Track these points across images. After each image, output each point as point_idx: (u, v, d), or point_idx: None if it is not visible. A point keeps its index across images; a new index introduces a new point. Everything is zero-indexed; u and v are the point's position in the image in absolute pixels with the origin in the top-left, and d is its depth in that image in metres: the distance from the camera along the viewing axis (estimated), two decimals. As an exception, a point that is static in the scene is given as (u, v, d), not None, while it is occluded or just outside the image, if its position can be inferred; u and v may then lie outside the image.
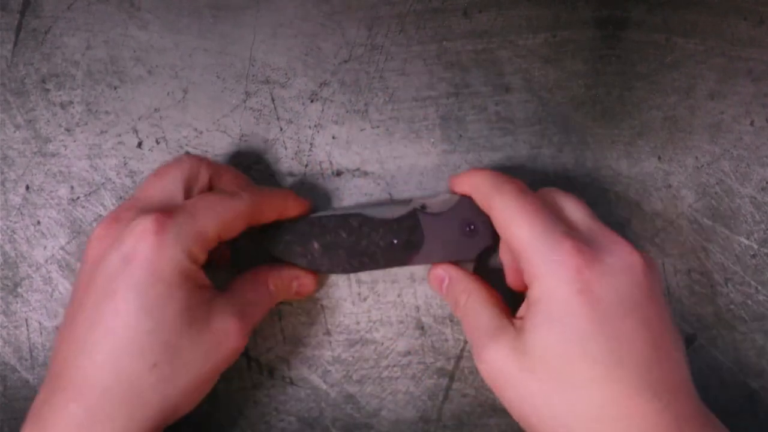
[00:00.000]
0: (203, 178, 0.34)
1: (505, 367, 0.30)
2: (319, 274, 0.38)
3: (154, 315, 0.29)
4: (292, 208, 0.36)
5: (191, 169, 0.34)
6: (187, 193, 0.33)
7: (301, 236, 0.36)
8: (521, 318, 0.32)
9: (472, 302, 0.34)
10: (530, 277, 0.30)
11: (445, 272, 0.36)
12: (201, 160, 0.34)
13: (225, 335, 0.32)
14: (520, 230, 0.31)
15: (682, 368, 0.30)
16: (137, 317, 0.29)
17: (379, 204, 0.38)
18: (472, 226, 0.36)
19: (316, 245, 0.36)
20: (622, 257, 0.30)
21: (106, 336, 0.29)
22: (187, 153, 0.35)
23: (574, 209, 0.32)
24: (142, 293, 0.29)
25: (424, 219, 0.36)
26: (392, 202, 0.38)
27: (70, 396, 0.29)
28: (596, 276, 0.29)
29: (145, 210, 0.31)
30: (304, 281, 0.37)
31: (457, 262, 0.37)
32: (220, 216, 0.32)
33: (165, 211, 0.31)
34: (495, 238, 0.35)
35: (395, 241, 0.36)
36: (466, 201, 0.36)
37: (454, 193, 0.37)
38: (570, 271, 0.29)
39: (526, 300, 0.31)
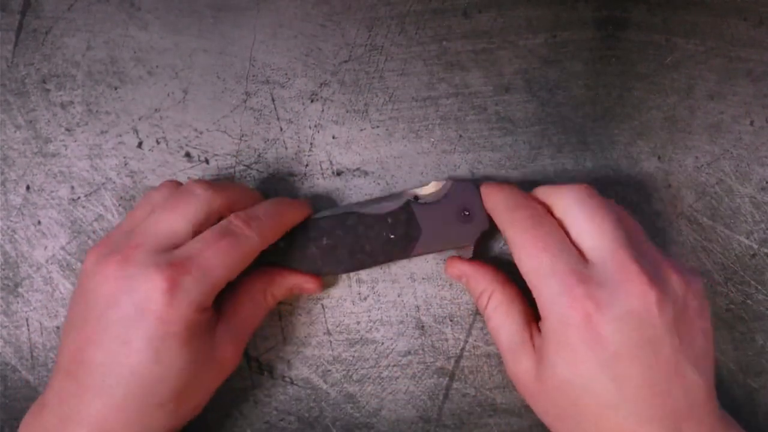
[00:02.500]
0: (215, 213, 0.34)
1: (528, 384, 0.33)
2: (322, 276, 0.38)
3: (164, 365, 0.31)
4: (297, 219, 0.36)
5: (203, 206, 0.33)
6: (197, 230, 0.33)
7: (297, 240, 0.36)
8: (539, 333, 0.33)
9: (494, 308, 0.35)
10: (541, 310, 0.31)
11: (460, 271, 0.37)
12: (215, 192, 0.34)
13: (226, 362, 0.34)
14: (530, 264, 0.31)
15: (697, 392, 0.30)
16: (149, 368, 0.30)
17: (372, 200, 0.38)
18: (468, 212, 0.36)
19: (314, 248, 0.36)
20: (633, 297, 0.29)
21: (119, 380, 0.31)
22: (200, 182, 0.34)
23: (586, 230, 0.31)
24: (154, 347, 0.30)
25: (418, 210, 0.36)
26: (384, 197, 0.38)
27: (79, 418, 0.31)
28: (605, 322, 0.29)
29: (157, 257, 0.31)
30: (307, 287, 0.37)
31: (457, 249, 0.37)
32: (232, 265, 0.32)
33: (177, 267, 0.31)
34: (492, 221, 0.35)
35: (392, 236, 0.36)
36: (460, 186, 0.36)
37: (448, 179, 0.37)
38: (579, 318, 0.29)
39: (541, 324, 0.32)
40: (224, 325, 0.34)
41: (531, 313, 0.34)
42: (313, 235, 0.36)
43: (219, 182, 0.37)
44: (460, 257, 0.37)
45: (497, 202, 0.34)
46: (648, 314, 0.29)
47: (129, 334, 0.30)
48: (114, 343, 0.31)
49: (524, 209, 0.33)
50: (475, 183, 0.36)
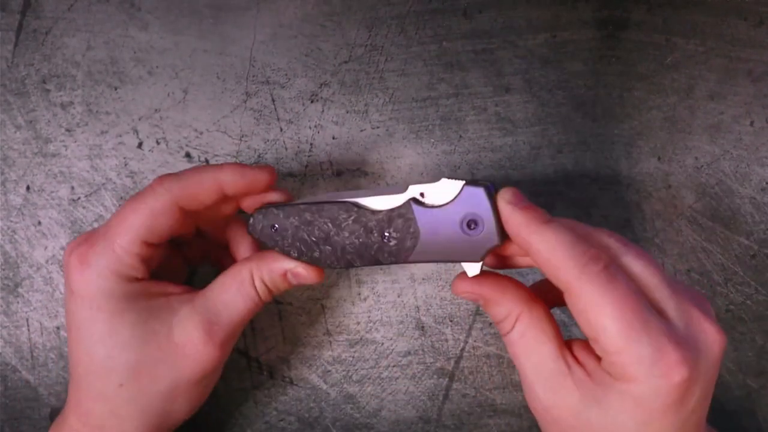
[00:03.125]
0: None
1: (563, 420, 0.30)
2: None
3: (107, 343, 0.31)
4: (231, 183, 0.32)
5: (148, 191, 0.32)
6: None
7: (285, 225, 0.32)
8: (579, 365, 0.30)
9: (521, 334, 0.31)
10: (619, 371, 0.28)
11: (474, 294, 0.32)
12: (167, 175, 0.32)
13: (189, 348, 0.32)
14: (615, 327, 0.27)
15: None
16: (91, 346, 0.31)
17: (375, 191, 0.33)
18: (474, 223, 0.30)
19: (300, 237, 0.32)
20: (711, 349, 0.28)
21: (78, 360, 0.32)
22: (161, 176, 0.33)
23: (652, 280, 0.29)
24: (88, 326, 0.31)
25: (420, 212, 0.31)
26: (388, 188, 0.33)
27: (72, 408, 0.33)
28: (695, 385, 0.28)
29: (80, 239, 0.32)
30: (299, 271, 0.33)
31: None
32: (138, 225, 0.31)
33: (86, 241, 0.31)
34: (503, 236, 0.30)
35: (385, 238, 0.31)
36: (470, 192, 0.30)
37: (462, 180, 0.31)
38: (673, 385, 0.27)
39: (602, 368, 0.29)
40: (189, 308, 0.32)
41: (561, 336, 0.31)
42: (303, 220, 0.32)
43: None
44: (472, 276, 0.32)
45: (553, 246, 0.28)
46: (718, 360, 0.29)
47: (68, 318, 0.32)
48: (68, 328, 0.32)
49: (598, 260, 0.28)
50: (488, 188, 0.31)
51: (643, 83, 0.40)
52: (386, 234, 0.31)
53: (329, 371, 0.39)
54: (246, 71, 0.40)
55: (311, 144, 0.40)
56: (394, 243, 0.31)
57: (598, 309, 0.27)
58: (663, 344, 0.27)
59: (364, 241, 0.32)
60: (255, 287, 0.33)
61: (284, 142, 0.40)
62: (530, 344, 0.30)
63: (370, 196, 0.32)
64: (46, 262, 0.39)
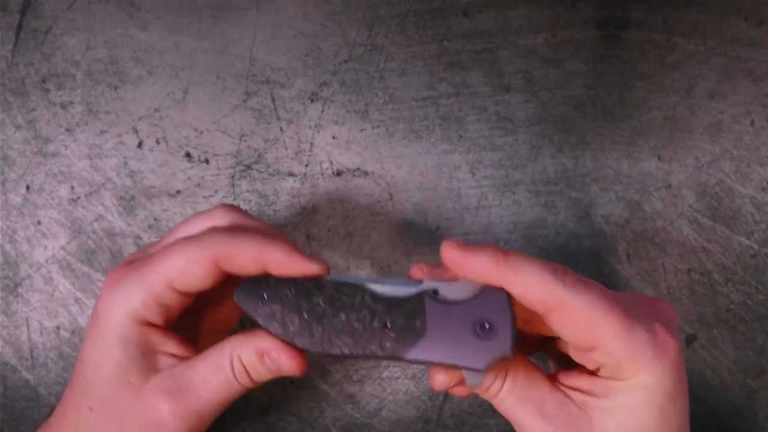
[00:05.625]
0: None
1: None
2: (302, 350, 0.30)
3: (91, 366, 0.31)
4: (275, 263, 0.29)
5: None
6: None
7: (277, 296, 0.29)
8: (567, 387, 0.30)
9: (511, 387, 0.30)
10: (627, 367, 0.28)
11: (467, 389, 0.31)
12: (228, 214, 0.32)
13: (155, 412, 0.30)
14: (611, 325, 0.27)
15: None
16: (83, 364, 0.31)
17: (385, 279, 0.30)
18: (488, 326, 0.28)
19: (291, 313, 0.29)
20: (675, 322, 0.30)
21: (75, 371, 0.32)
22: (223, 206, 0.32)
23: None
24: (91, 345, 0.31)
25: (431, 306, 0.28)
26: (400, 280, 0.31)
27: (54, 415, 0.33)
28: (681, 357, 0.29)
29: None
30: (277, 356, 0.30)
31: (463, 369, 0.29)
32: (171, 264, 0.30)
33: (124, 267, 0.31)
34: (515, 346, 0.28)
35: (387, 325, 0.29)
36: (491, 293, 0.28)
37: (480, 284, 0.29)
38: (672, 361, 0.28)
39: (603, 378, 0.29)
40: (170, 371, 0.31)
41: (541, 369, 0.31)
42: (295, 293, 0.29)
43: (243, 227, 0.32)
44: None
45: (530, 271, 0.28)
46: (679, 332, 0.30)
47: (85, 332, 0.32)
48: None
49: (566, 271, 0.28)
50: (509, 294, 0.29)
51: (643, 83, 0.40)
52: (388, 322, 0.29)
53: (329, 371, 0.39)
54: (246, 71, 0.40)
55: (311, 144, 0.40)
56: (396, 334, 0.29)
57: (592, 314, 0.27)
58: (651, 324, 0.28)
59: (362, 328, 0.29)
60: (232, 365, 0.30)
61: (284, 141, 0.40)
62: (524, 392, 0.30)
63: (378, 283, 0.30)
64: (46, 261, 0.39)
